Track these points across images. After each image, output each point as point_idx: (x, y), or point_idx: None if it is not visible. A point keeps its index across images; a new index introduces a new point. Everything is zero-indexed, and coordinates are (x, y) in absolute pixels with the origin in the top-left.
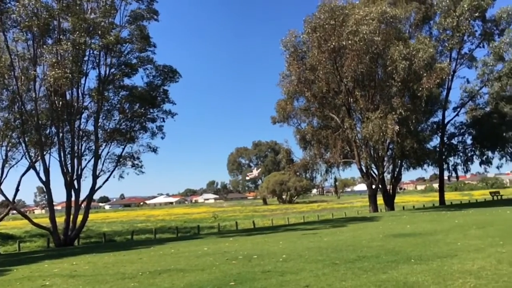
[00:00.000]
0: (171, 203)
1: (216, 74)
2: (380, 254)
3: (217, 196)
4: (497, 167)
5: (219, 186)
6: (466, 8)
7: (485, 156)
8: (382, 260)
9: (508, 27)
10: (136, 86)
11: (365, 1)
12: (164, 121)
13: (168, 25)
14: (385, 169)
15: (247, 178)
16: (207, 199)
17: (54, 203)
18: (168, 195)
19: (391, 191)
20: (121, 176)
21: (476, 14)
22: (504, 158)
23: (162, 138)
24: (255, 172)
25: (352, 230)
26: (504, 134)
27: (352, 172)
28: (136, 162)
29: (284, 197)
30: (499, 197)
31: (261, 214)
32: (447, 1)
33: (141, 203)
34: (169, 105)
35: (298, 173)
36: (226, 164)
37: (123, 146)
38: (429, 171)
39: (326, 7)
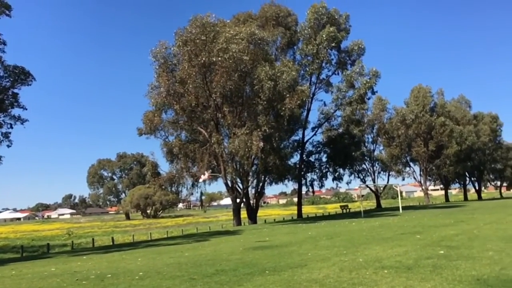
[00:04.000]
0: (19, 219)
1: (80, 82)
2: (238, 267)
3: (74, 211)
4: (347, 183)
5: (77, 200)
6: (325, 38)
7: (337, 173)
8: (239, 273)
9: (358, 58)
10: None
11: (235, 21)
12: (12, 127)
13: (30, 28)
14: (249, 184)
15: (200, 180)
16: (62, 214)
17: None
18: (15, 210)
19: (254, 205)
20: None
21: (333, 44)
22: (353, 175)
23: (9, 146)
24: (206, 175)
25: (214, 244)
26: (353, 153)
27: (218, 186)
28: None
29: (148, 211)
30: (347, 210)
31: (122, 229)
32: (309, 29)
33: None
34: (19, 110)
35: (163, 187)
36: (86, 177)
37: None
38: (290, 186)
39: (197, 22)
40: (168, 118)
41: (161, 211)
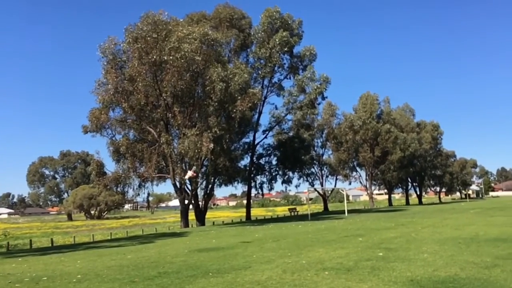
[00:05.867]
0: None
1: (21, 75)
2: (181, 270)
3: (12, 211)
4: (296, 186)
5: (15, 200)
6: (278, 42)
7: (286, 176)
8: (182, 275)
9: (310, 64)
10: None
11: (189, 21)
12: None
13: None
14: (198, 185)
15: (186, 177)
16: None
17: None
18: None
19: (203, 206)
20: None
21: (286, 49)
22: (302, 178)
23: None
24: (191, 172)
25: (158, 246)
26: (303, 157)
27: (167, 187)
28: None
29: (92, 212)
30: (296, 213)
31: (63, 231)
32: (262, 33)
33: None
34: None
35: (109, 187)
36: (25, 175)
37: None
38: (240, 188)
39: (149, 19)
40: (116, 116)
41: (106, 212)
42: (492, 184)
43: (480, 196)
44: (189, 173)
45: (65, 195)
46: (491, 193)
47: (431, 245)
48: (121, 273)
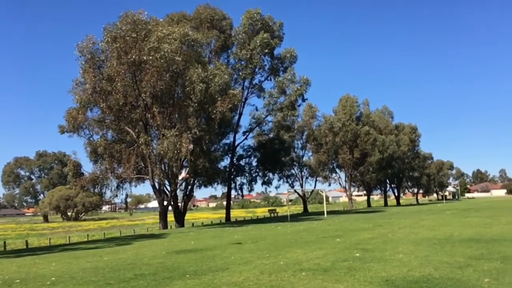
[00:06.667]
0: None
1: None
2: (158, 271)
3: None
4: (276, 188)
5: None
6: (258, 44)
7: (266, 177)
8: (158, 277)
9: (290, 66)
10: None
11: (169, 21)
12: None
13: None
14: (177, 186)
15: (179, 179)
16: None
17: None
18: None
19: (182, 208)
20: None
21: (266, 51)
22: (282, 180)
23: None
24: (184, 173)
25: (136, 248)
26: (283, 158)
27: (145, 188)
28: None
29: (69, 214)
30: (275, 214)
31: (39, 232)
32: (243, 34)
33: None
34: None
35: (86, 188)
36: (0, 176)
37: None
38: (219, 189)
39: (128, 18)
40: (94, 116)
41: (83, 213)
42: (468, 186)
43: (456, 197)
44: (182, 174)
45: (41, 196)
46: (467, 195)
47: (407, 245)
48: (97, 276)
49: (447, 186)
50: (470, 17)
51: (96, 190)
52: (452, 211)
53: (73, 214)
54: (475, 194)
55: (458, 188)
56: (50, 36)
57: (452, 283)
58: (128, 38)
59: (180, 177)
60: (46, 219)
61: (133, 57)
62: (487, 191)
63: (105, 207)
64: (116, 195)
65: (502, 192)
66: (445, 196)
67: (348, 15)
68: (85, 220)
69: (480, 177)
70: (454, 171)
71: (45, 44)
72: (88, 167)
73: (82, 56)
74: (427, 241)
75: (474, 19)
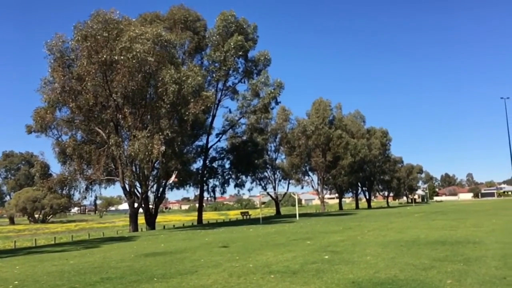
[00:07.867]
0: None
1: None
2: (125, 275)
3: None
4: (249, 190)
5: None
6: (232, 46)
7: (239, 180)
8: (125, 280)
9: (264, 69)
10: None
11: (142, 21)
12: None
13: None
14: (149, 188)
15: (169, 182)
16: None
17: None
18: None
19: (154, 210)
20: None
21: (240, 53)
22: (255, 182)
23: None
24: (173, 176)
25: (104, 251)
26: (256, 161)
27: (116, 190)
28: None
29: (36, 216)
30: (248, 216)
31: (4, 235)
32: (217, 36)
33: None
34: None
35: (53, 190)
36: None
37: None
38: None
39: (100, 17)
40: (63, 116)
41: (51, 216)
42: (437, 189)
43: (425, 200)
44: (172, 177)
45: (7, 197)
46: (435, 198)
47: (375, 247)
48: (62, 279)
49: (416, 190)
50: (436, 26)
51: (64, 192)
52: (420, 214)
53: (40, 216)
54: (443, 198)
55: (427, 191)
56: (18, 32)
57: (416, 285)
58: (99, 37)
59: (170, 181)
60: (12, 221)
61: (104, 56)
62: (455, 194)
63: (74, 209)
64: (85, 197)
65: (469, 196)
66: (415, 199)
67: (322, 21)
68: (53, 222)
69: (448, 181)
70: (423, 175)
71: (12, 41)
72: (56, 168)
73: (51, 54)
74: (395, 243)
75: (441, 27)
